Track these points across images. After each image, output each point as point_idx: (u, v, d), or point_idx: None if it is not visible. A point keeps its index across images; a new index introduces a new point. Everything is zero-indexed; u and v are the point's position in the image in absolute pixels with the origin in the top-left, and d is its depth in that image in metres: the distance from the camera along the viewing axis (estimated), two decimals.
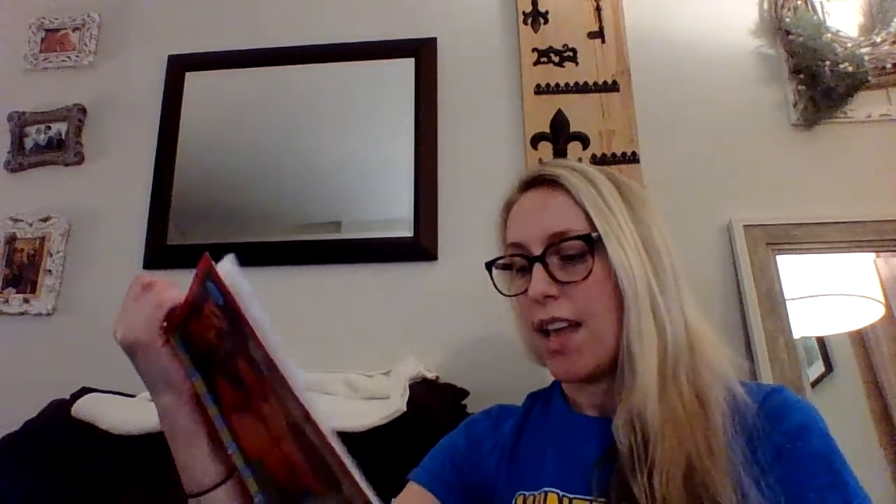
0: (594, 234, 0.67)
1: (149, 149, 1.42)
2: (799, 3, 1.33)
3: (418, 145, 1.33)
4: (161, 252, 1.33)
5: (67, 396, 1.12)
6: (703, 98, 1.33)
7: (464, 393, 1.11)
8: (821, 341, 1.21)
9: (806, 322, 1.17)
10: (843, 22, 1.33)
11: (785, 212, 1.21)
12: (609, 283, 0.66)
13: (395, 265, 1.28)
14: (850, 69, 1.22)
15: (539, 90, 1.34)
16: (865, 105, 1.27)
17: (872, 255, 1.22)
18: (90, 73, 1.52)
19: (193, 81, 1.46)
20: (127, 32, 1.55)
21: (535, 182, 0.74)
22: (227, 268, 0.50)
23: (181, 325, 0.55)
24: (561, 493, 0.66)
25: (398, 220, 1.29)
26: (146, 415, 1.01)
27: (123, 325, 0.56)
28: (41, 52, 1.55)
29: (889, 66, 1.26)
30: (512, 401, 0.84)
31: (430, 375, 1.12)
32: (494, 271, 0.76)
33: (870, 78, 1.24)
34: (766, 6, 1.38)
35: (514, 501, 0.69)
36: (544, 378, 0.82)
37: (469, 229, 1.28)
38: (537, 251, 0.69)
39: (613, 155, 1.28)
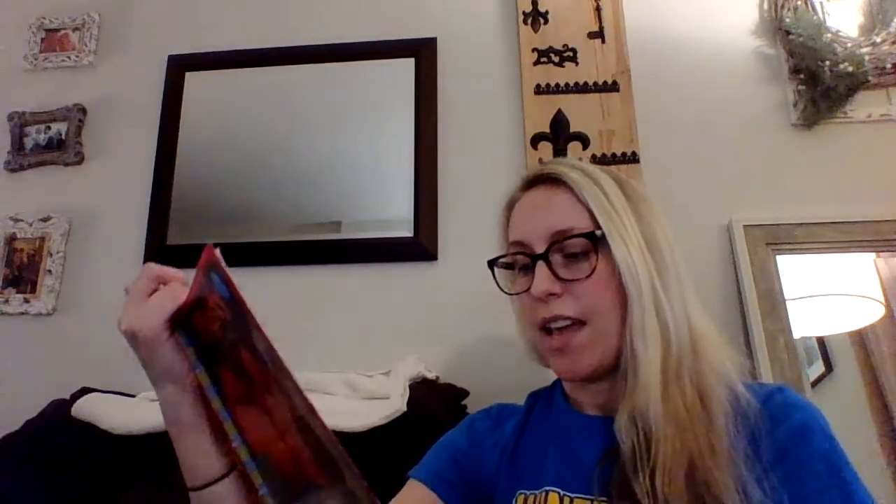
0: (598, 232, 0.67)
1: (149, 149, 1.42)
2: (799, 3, 1.33)
3: (418, 145, 1.33)
4: (161, 252, 1.33)
5: (67, 396, 1.12)
6: (702, 98, 1.33)
7: (464, 393, 1.11)
8: (821, 341, 1.21)
9: (806, 322, 1.17)
10: (843, 22, 1.33)
11: (785, 212, 1.21)
12: (612, 281, 0.66)
13: (395, 265, 1.28)
14: (850, 69, 1.22)
15: (539, 90, 1.34)
16: (865, 105, 1.27)
17: (872, 255, 1.21)
18: (90, 73, 1.52)
19: (193, 81, 1.46)
20: (127, 32, 1.55)
21: (538, 180, 0.74)
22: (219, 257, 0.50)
23: (186, 317, 0.55)
24: (562, 493, 0.66)
25: (398, 220, 1.29)
26: (146, 415, 1.01)
27: (130, 316, 0.55)
28: (41, 52, 1.55)
29: (889, 66, 1.26)
30: (512, 400, 0.84)
31: (430, 375, 1.12)
32: (497, 270, 0.76)
33: (870, 78, 1.24)
34: (766, 6, 1.38)
35: (514, 500, 0.69)
36: (544, 378, 0.82)
37: (469, 229, 1.28)
38: (540, 249, 0.69)
39: (613, 155, 1.28)
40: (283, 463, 0.48)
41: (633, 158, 1.27)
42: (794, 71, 1.30)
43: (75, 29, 1.56)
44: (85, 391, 1.12)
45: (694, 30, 1.38)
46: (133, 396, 1.12)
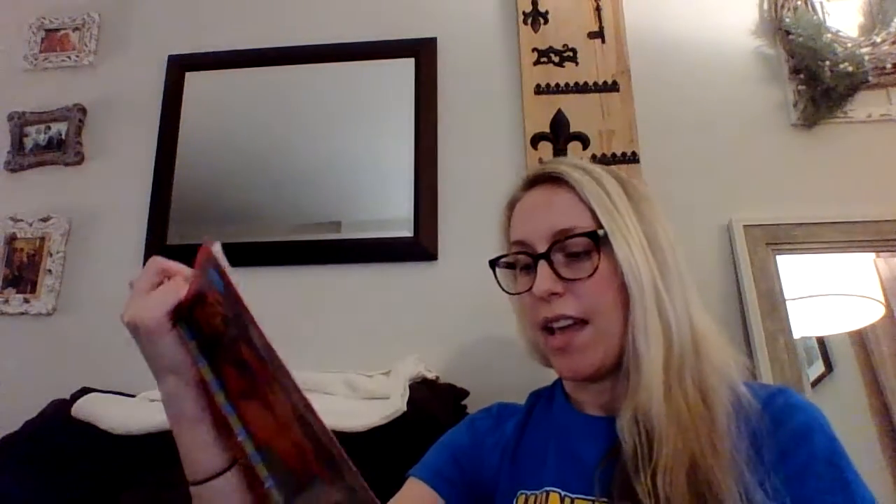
0: (600, 231, 0.67)
1: (149, 149, 1.42)
2: (799, 3, 1.33)
3: (418, 145, 1.33)
4: (161, 252, 1.30)
5: (67, 396, 1.12)
6: (702, 98, 1.33)
7: (464, 393, 1.11)
8: (821, 341, 1.21)
9: (806, 322, 1.17)
10: (843, 22, 1.33)
11: (785, 212, 1.21)
12: (615, 281, 0.66)
13: (395, 265, 1.28)
14: (850, 69, 1.22)
15: (539, 90, 1.34)
16: (865, 105, 1.27)
17: (872, 255, 1.22)
18: (90, 73, 1.52)
19: (193, 81, 1.46)
20: (127, 32, 1.55)
21: (540, 179, 0.74)
22: (220, 255, 0.50)
23: (187, 311, 0.55)
24: (563, 493, 0.66)
25: (398, 220, 1.29)
26: (146, 415, 1.01)
27: (132, 309, 0.55)
28: (41, 52, 1.55)
29: (889, 66, 1.26)
30: (512, 400, 0.84)
31: (430, 375, 1.12)
32: (498, 270, 0.75)
33: (870, 78, 1.24)
34: (766, 6, 1.38)
35: (515, 500, 0.69)
36: (544, 378, 0.82)
37: (469, 229, 1.28)
38: (542, 248, 0.69)
39: (613, 155, 1.28)
40: (288, 456, 0.48)
41: (633, 158, 1.27)
42: (794, 71, 1.30)
43: (75, 29, 1.56)
44: (85, 391, 1.12)
45: (694, 30, 1.38)
46: (133, 396, 1.12)
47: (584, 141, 1.30)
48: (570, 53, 1.37)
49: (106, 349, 1.26)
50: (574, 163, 0.74)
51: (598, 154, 1.28)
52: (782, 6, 1.34)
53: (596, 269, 0.66)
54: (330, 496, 0.42)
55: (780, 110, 1.31)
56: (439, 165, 1.33)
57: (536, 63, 1.37)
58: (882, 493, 1.03)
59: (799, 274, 1.19)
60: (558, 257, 0.68)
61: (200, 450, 0.57)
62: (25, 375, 1.28)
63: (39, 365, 1.29)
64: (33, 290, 1.35)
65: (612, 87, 1.33)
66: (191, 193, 1.38)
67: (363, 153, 1.35)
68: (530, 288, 0.68)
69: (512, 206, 0.77)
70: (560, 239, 0.68)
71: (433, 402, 1.04)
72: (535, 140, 1.31)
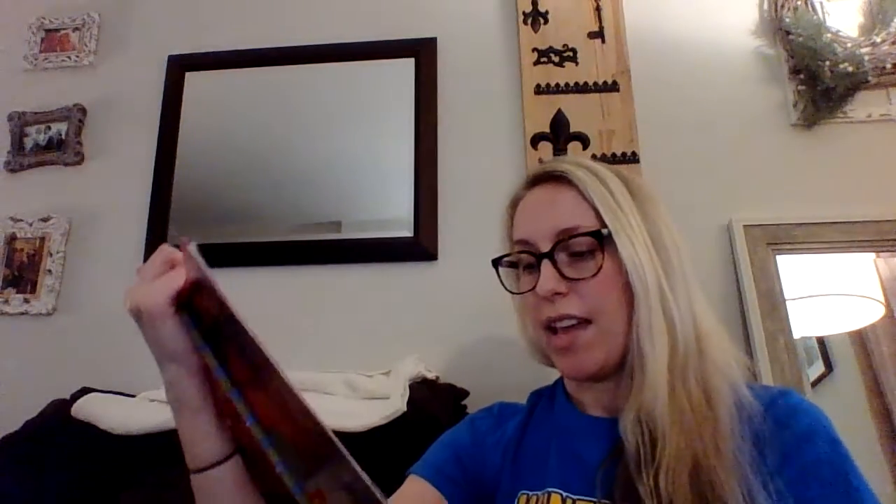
0: (604, 231, 0.67)
1: (149, 149, 1.42)
2: (799, 3, 1.33)
3: (418, 145, 1.33)
4: None
5: (67, 396, 1.12)
6: (702, 98, 1.33)
7: (464, 393, 1.11)
8: (821, 341, 1.21)
9: (806, 322, 1.17)
10: (843, 22, 1.33)
11: (785, 212, 1.21)
12: (619, 280, 0.66)
13: (395, 265, 1.28)
14: (850, 69, 1.22)
15: (539, 90, 1.34)
16: (865, 105, 1.27)
17: (872, 255, 1.22)
18: (90, 73, 1.52)
19: (193, 81, 1.46)
20: (127, 32, 1.55)
21: (543, 178, 0.74)
22: (197, 256, 0.51)
23: (188, 298, 0.55)
24: (564, 494, 0.65)
25: (398, 220, 1.29)
26: (146, 415, 1.01)
27: (135, 295, 0.55)
28: (41, 52, 1.55)
29: (889, 66, 1.26)
30: (512, 400, 0.84)
31: (431, 375, 1.12)
32: (501, 269, 0.75)
33: (870, 78, 1.24)
34: (766, 6, 1.38)
35: (516, 501, 0.69)
36: (545, 378, 0.82)
37: (469, 229, 1.28)
38: (545, 248, 0.68)
39: (613, 155, 1.28)
40: (295, 442, 0.48)
41: (633, 158, 1.27)
42: (794, 71, 1.30)
43: (75, 29, 1.56)
44: (85, 391, 1.12)
45: (694, 30, 1.38)
46: (133, 396, 1.12)
47: (584, 141, 1.30)
48: (570, 53, 1.37)
49: (106, 349, 1.26)
50: (577, 161, 0.73)
51: (598, 154, 1.28)
52: (782, 6, 1.34)
53: (600, 268, 0.66)
54: (339, 480, 0.42)
55: (780, 110, 1.31)
56: (439, 165, 1.32)
57: (536, 63, 1.37)
58: (882, 492, 1.02)
59: (799, 274, 1.19)
60: (562, 257, 0.68)
61: (201, 438, 0.57)
62: (25, 375, 1.28)
63: (39, 365, 1.29)
64: (33, 290, 1.35)
65: (612, 87, 1.33)
66: (191, 193, 1.38)
67: (363, 153, 1.35)
68: (533, 287, 0.68)
69: (515, 204, 0.76)
70: (563, 238, 0.68)
71: (433, 402, 1.04)
72: (535, 140, 1.31)
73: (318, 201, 1.34)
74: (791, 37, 1.29)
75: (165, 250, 0.57)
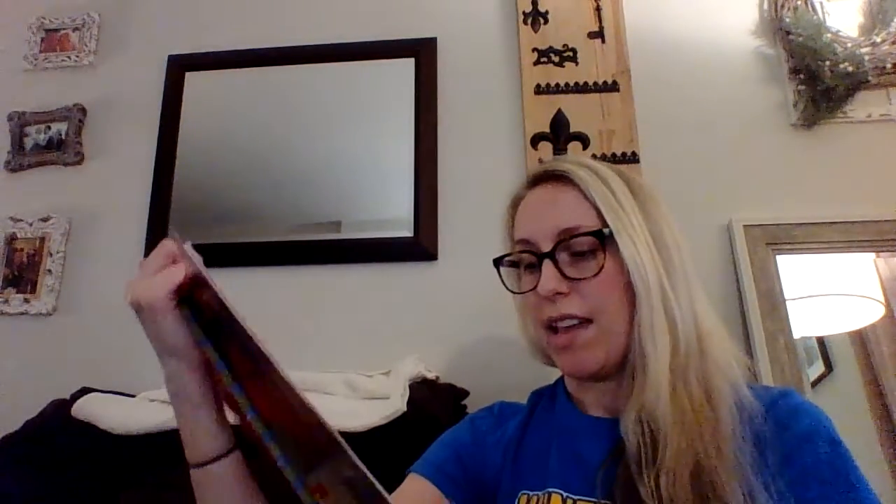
0: (605, 230, 0.66)
1: (149, 149, 1.42)
2: (799, 3, 1.33)
3: (418, 145, 1.33)
4: None
5: (67, 396, 1.12)
6: (702, 98, 1.33)
7: (464, 393, 1.11)
8: (821, 341, 1.21)
9: (806, 322, 1.17)
10: (843, 22, 1.33)
11: (785, 212, 1.21)
12: (620, 280, 0.66)
13: (395, 265, 1.28)
14: (850, 69, 1.22)
15: (539, 90, 1.34)
16: (865, 105, 1.27)
17: (872, 255, 1.22)
18: (90, 73, 1.52)
19: (193, 81, 1.46)
20: (127, 32, 1.55)
21: (544, 178, 0.74)
22: (191, 251, 0.51)
23: (188, 293, 0.55)
24: (565, 495, 0.65)
25: (398, 220, 1.29)
26: (146, 415, 1.01)
27: (136, 289, 0.55)
28: (41, 52, 1.55)
29: (889, 66, 1.26)
30: (513, 400, 0.84)
31: (430, 375, 1.12)
32: (502, 268, 0.75)
33: (870, 78, 1.24)
34: (766, 6, 1.38)
35: (517, 501, 0.69)
36: (545, 378, 0.82)
37: (469, 229, 1.28)
38: (546, 247, 0.68)
39: (613, 155, 1.28)
40: (296, 436, 0.48)
41: (633, 158, 1.27)
42: (794, 71, 1.30)
43: (75, 29, 1.56)
44: (85, 391, 1.12)
45: (694, 30, 1.38)
46: (133, 396, 1.12)
47: (584, 141, 1.30)
48: (570, 53, 1.37)
49: (106, 349, 1.26)
50: (579, 161, 0.73)
51: (598, 154, 1.28)
52: (782, 6, 1.34)
53: (601, 268, 0.66)
54: (339, 474, 0.42)
55: (780, 110, 1.31)
56: (439, 165, 1.32)
57: (536, 63, 1.37)
58: (882, 493, 1.02)
59: (799, 274, 1.19)
60: (563, 256, 0.68)
61: (201, 433, 0.57)
62: (25, 375, 1.28)
63: (39, 365, 1.29)
64: (33, 290, 1.35)
65: (612, 87, 1.33)
66: (191, 193, 1.38)
67: (363, 153, 1.35)
68: (535, 287, 0.68)
69: (516, 204, 0.76)
70: (565, 238, 0.67)
71: (433, 402, 1.04)
72: (535, 140, 1.31)
73: (318, 201, 1.34)
74: (791, 37, 1.29)
75: (167, 245, 0.57)
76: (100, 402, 1.08)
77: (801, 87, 1.28)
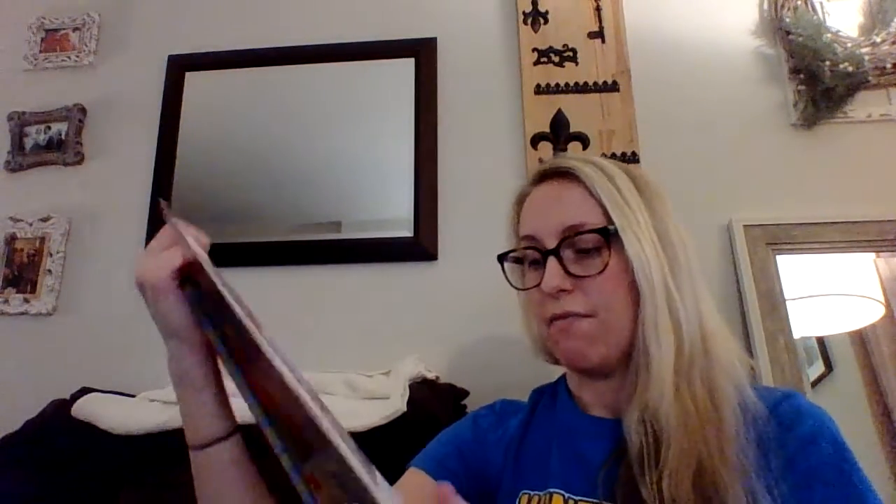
0: (611, 228, 0.66)
1: (149, 149, 1.42)
2: (799, 3, 1.33)
3: (418, 145, 1.33)
4: None
5: (67, 396, 1.12)
6: (702, 98, 1.33)
7: (464, 393, 1.11)
8: (821, 341, 1.21)
9: (806, 322, 1.17)
10: (843, 22, 1.33)
11: (785, 212, 1.21)
12: (625, 278, 0.66)
13: (395, 265, 1.28)
14: (850, 69, 1.22)
15: (539, 90, 1.34)
16: (865, 105, 1.27)
17: (872, 255, 1.22)
18: (90, 73, 1.52)
19: (193, 81, 1.46)
20: (127, 32, 1.55)
21: (550, 174, 0.73)
22: (180, 223, 0.52)
23: (189, 275, 0.55)
24: (566, 495, 0.65)
25: (398, 220, 1.29)
26: (146, 415, 1.01)
27: (141, 267, 0.55)
28: (41, 52, 1.55)
29: (889, 66, 1.26)
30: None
31: (431, 375, 1.12)
32: (506, 264, 0.75)
33: (870, 78, 1.24)
34: (766, 6, 1.38)
35: (518, 500, 0.68)
36: (545, 378, 0.82)
37: (469, 229, 1.28)
38: (551, 244, 0.68)
39: (613, 155, 1.28)
40: (292, 422, 0.48)
41: (633, 158, 1.27)
42: (794, 71, 1.30)
43: (75, 29, 1.56)
44: (85, 391, 1.12)
45: (694, 30, 1.38)
46: (133, 396, 1.12)
47: (584, 141, 1.30)
48: (570, 53, 1.37)
49: (106, 349, 1.26)
50: (585, 158, 0.73)
51: (598, 154, 1.28)
52: (782, 6, 1.34)
53: (606, 265, 0.66)
54: (325, 469, 0.42)
55: (780, 110, 1.31)
56: (439, 165, 1.32)
57: (536, 63, 1.37)
58: (882, 493, 1.02)
59: (799, 274, 1.19)
60: (568, 253, 0.67)
61: (202, 414, 0.57)
62: (25, 375, 1.28)
63: (39, 365, 1.29)
64: (33, 290, 1.35)
65: (612, 87, 1.33)
66: (191, 193, 1.38)
67: (363, 153, 1.35)
68: (538, 284, 0.68)
69: (521, 200, 0.76)
70: (570, 235, 0.67)
71: (433, 402, 1.04)
72: (536, 140, 1.31)
73: (318, 201, 1.34)
74: (791, 37, 1.29)
75: (175, 224, 0.57)
76: (100, 402, 1.08)
77: (801, 87, 1.28)
